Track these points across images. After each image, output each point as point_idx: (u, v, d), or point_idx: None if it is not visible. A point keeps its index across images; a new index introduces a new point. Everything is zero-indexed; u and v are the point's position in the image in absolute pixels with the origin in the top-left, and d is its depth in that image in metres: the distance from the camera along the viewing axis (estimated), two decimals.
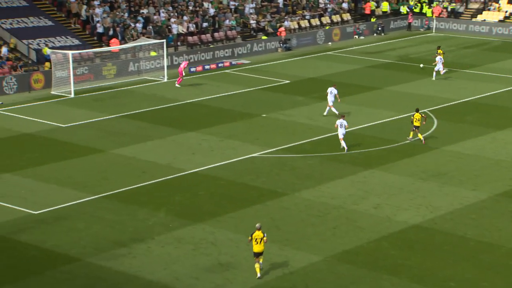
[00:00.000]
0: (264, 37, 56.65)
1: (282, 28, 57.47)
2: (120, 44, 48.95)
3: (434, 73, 46.11)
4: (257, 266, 22.61)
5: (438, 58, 46.14)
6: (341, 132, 33.28)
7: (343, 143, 33.30)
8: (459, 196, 28.73)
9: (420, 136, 34.42)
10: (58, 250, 24.27)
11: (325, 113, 38.74)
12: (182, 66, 45.66)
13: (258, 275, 22.61)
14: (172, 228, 25.98)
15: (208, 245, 24.73)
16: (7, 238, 25.13)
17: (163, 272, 22.93)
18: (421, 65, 48.44)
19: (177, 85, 45.33)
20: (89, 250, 24.24)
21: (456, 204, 27.99)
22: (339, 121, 33.40)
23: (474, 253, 24.21)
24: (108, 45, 48.83)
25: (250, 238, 22.56)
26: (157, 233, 25.56)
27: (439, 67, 46.08)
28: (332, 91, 38.36)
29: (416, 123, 34.20)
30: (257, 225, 22.73)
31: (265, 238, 22.48)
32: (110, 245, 24.64)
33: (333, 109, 38.28)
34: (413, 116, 34.41)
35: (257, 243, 22.41)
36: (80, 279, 22.60)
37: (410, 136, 34.79)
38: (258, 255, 22.59)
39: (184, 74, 45.47)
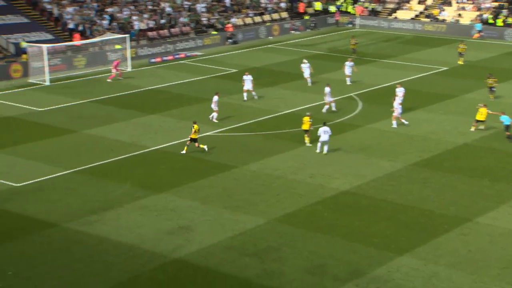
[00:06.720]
0: (214, 32, 56.17)
1: (229, 25, 57.09)
2: (88, 38, 47.87)
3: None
4: (192, 145, 29.89)
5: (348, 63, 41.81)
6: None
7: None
8: (380, 166, 29.19)
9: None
10: (38, 216, 23.78)
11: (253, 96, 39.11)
12: (114, 63, 43.46)
13: (187, 146, 30.11)
14: (137, 197, 25.72)
15: (169, 211, 24.58)
16: None
17: (130, 235, 22.72)
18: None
19: (108, 80, 42.89)
20: (65, 218, 23.84)
21: (378, 173, 28.45)
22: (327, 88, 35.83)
23: (393, 214, 24.70)
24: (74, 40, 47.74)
25: (192, 129, 29.80)
26: (125, 202, 25.27)
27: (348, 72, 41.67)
28: (246, 78, 38.43)
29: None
30: (194, 121, 30.54)
31: (199, 130, 30.07)
32: (83, 213, 24.28)
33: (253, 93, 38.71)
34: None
35: (195, 132, 29.80)
36: (58, 241, 22.24)
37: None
38: (194, 140, 29.85)
39: (117, 70, 42.98)
